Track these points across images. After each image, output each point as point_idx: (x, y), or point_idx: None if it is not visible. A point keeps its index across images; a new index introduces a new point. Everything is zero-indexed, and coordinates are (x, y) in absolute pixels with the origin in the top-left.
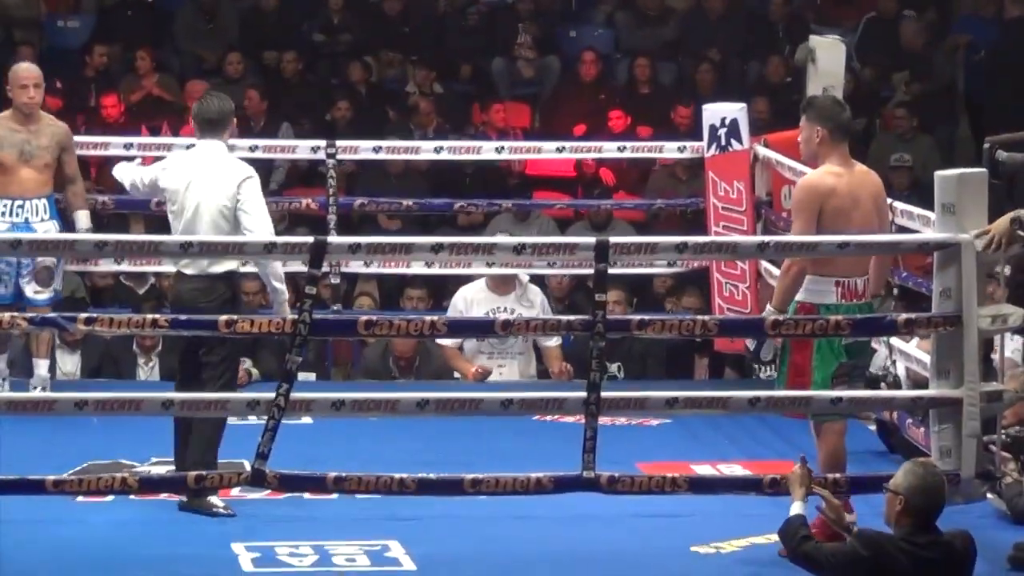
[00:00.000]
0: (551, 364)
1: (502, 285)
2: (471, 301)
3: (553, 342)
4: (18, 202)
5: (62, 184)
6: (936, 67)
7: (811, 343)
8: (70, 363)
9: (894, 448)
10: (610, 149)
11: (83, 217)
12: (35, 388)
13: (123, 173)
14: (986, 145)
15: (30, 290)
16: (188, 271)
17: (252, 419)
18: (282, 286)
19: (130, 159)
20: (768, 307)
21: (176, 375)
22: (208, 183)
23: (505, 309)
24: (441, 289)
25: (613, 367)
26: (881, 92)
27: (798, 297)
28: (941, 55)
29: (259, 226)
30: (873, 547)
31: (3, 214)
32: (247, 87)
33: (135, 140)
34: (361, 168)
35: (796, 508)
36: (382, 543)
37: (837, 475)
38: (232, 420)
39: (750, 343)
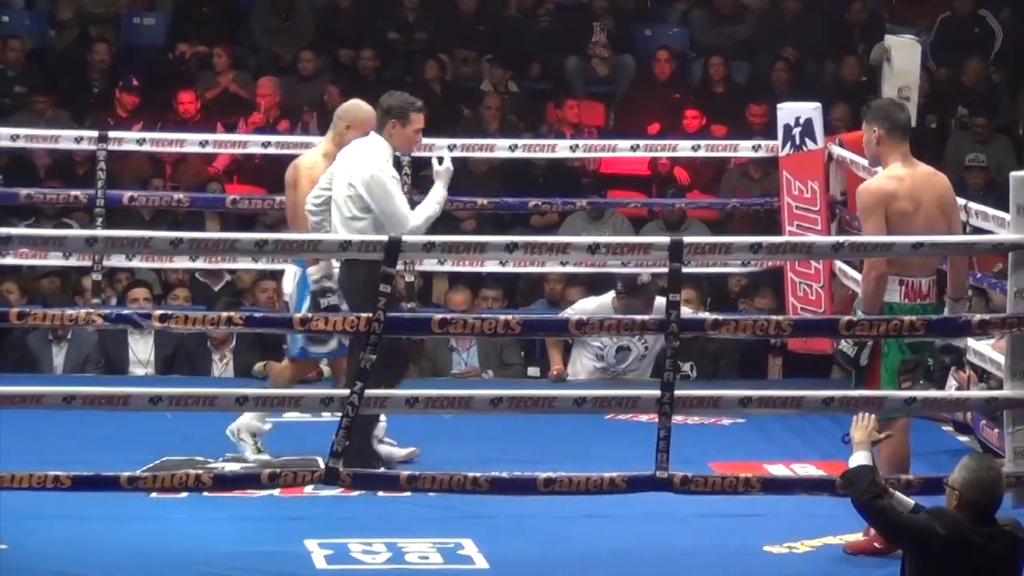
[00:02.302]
0: None
1: None
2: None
3: None
4: None
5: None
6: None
7: (879, 344)
8: (143, 350)
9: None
10: (684, 148)
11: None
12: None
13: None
14: None
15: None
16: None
17: (326, 416)
18: None
19: (206, 156)
20: (859, 313)
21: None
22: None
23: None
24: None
25: (686, 366)
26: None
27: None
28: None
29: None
30: (952, 528)
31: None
32: (324, 84)
33: (211, 137)
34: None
35: (862, 458)
36: (455, 541)
37: (909, 476)
38: (306, 417)
39: (848, 347)
